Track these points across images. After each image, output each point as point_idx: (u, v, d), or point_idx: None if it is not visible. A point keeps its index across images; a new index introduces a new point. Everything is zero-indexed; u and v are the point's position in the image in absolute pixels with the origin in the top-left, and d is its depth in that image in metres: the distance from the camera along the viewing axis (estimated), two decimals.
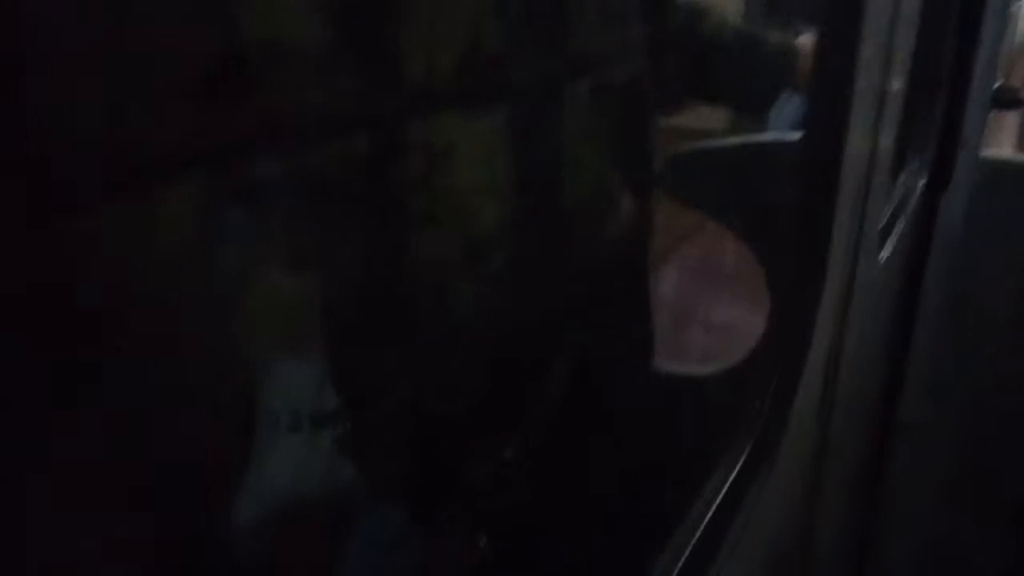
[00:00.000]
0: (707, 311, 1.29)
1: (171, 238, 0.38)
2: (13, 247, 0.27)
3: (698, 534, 0.54)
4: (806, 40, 1.03)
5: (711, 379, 1.07)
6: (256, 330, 0.55)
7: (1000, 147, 2.84)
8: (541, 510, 0.68)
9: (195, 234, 0.41)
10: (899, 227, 1.23)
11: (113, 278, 0.33)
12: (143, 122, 0.35)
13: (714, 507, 0.57)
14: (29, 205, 0.28)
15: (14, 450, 0.27)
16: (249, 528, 0.56)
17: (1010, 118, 2.91)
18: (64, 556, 0.29)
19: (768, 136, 1.15)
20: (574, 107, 0.71)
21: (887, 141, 0.94)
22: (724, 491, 0.59)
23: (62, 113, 0.29)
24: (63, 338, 0.30)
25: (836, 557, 1.22)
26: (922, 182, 1.44)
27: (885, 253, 1.14)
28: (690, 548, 0.52)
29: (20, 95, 0.27)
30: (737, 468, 0.62)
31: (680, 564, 0.52)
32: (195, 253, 0.42)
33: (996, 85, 2.02)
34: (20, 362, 0.27)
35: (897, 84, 0.93)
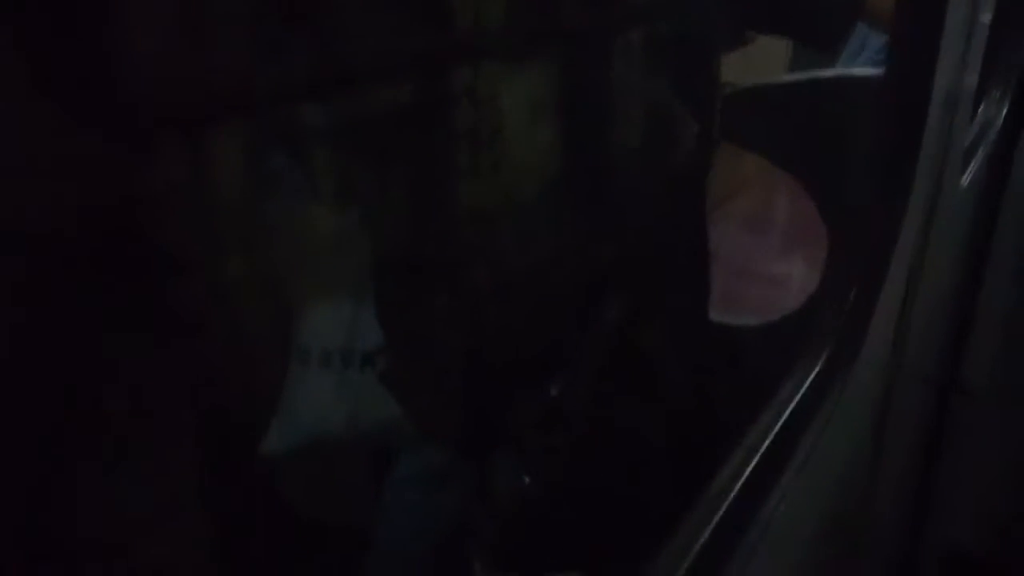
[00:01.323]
0: (761, 263, 1.27)
1: (221, 176, 0.39)
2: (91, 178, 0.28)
3: (764, 449, 0.53)
4: None
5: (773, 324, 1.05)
6: (302, 269, 0.57)
7: None
8: (589, 450, 0.69)
9: (244, 174, 0.42)
10: (980, 155, 1.18)
11: (168, 211, 0.34)
12: (202, 66, 0.36)
13: (782, 422, 0.55)
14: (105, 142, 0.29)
15: (81, 371, 0.29)
16: (281, 457, 0.59)
17: None
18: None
19: (832, 71, 1.09)
20: (630, 46, 0.69)
21: (973, 72, 0.90)
22: (794, 405, 0.57)
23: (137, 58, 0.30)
24: (125, 261, 0.31)
25: (896, 514, 1.21)
26: (1004, 112, 1.37)
27: (967, 178, 1.09)
28: (755, 463, 0.51)
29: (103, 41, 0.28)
30: (810, 380, 0.60)
31: (744, 478, 0.50)
32: (243, 192, 0.43)
33: None
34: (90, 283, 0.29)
35: (985, 17, 0.88)
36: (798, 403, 0.58)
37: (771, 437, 0.54)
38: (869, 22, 1.01)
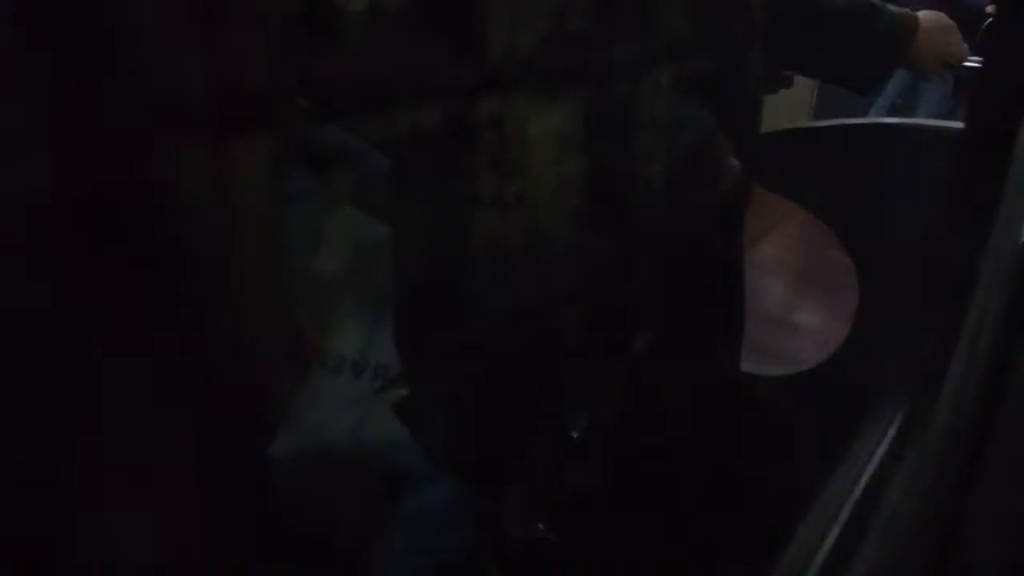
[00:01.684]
0: (787, 311, 1.24)
1: (252, 188, 0.39)
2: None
3: (845, 519, 0.50)
4: (926, 15, 0.96)
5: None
6: (321, 280, 0.56)
7: None
8: (609, 498, 0.66)
9: (268, 188, 0.42)
10: None
11: (189, 217, 0.34)
12: (234, 80, 0.36)
13: (861, 490, 0.52)
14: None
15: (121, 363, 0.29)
16: (285, 463, 0.57)
17: None
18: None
19: (872, 120, 1.08)
20: (670, 82, 0.68)
21: None
22: (871, 471, 0.54)
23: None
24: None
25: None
26: None
27: None
28: (836, 534, 0.48)
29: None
30: (886, 444, 0.57)
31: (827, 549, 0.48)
32: (265, 204, 0.42)
33: None
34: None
35: None
36: (875, 469, 0.55)
37: (850, 506, 0.51)
38: (911, 67, 1.00)
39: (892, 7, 0.95)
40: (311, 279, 0.60)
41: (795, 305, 1.32)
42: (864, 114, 1.06)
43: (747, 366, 0.98)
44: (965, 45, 1.00)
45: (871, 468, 0.55)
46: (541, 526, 0.65)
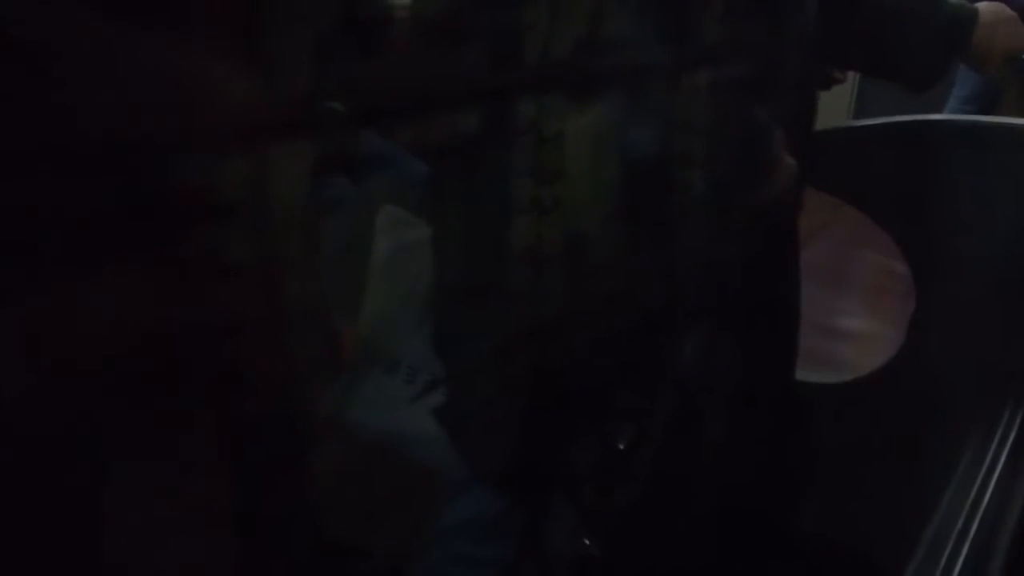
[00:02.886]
0: (831, 315, 1.21)
1: (292, 194, 0.39)
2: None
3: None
4: (986, 6, 0.93)
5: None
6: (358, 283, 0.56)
7: None
8: (657, 514, 0.65)
9: (309, 194, 0.42)
10: None
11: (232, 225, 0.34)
12: (271, 88, 0.36)
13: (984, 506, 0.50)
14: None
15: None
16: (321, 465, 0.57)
17: None
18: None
19: (935, 116, 1.04)
20: (720, 82, 0.67)
21: None
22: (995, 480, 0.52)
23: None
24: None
25: None
26: None
27: None
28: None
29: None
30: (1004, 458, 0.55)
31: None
32: (313, 212, 0.43)
33: None
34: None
35: None
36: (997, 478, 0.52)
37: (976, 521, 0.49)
38: (971, 64, 0.97)
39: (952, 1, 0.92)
40: (351, 282, 0.61)
41: (841, 309, 1.28)
42: (904, 112, 1.02)
43: (804, 374, 0.96)
44: None
45: (991, 480, 0.52)
46: (586, 540, 0.63)
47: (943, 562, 0.46)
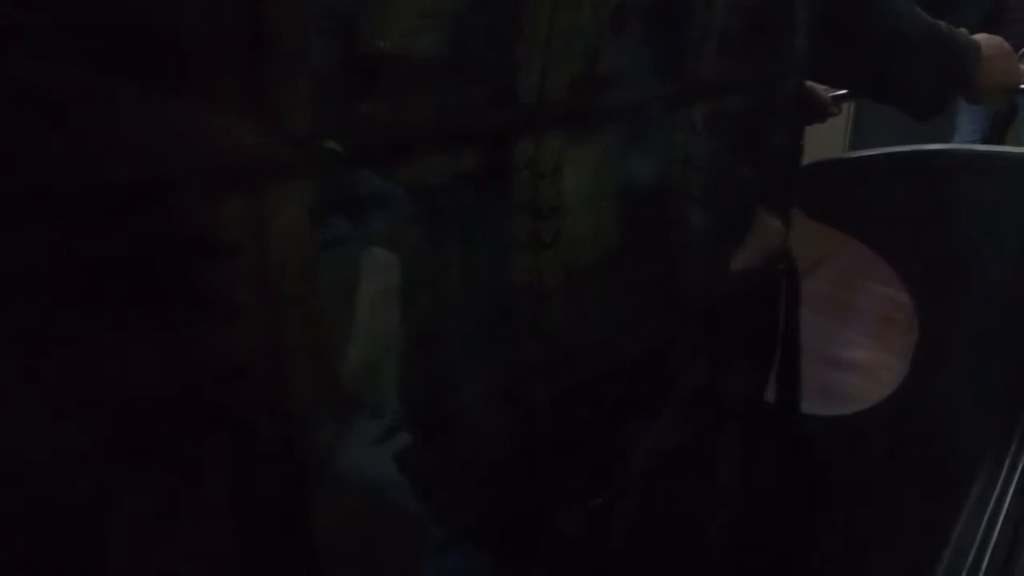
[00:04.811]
0: (832, 346, 1.21)
1: (279, 235, 0.39)
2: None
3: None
4: (986, 39, 0.94)
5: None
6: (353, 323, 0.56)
7: None
8: (645, 568, 0.63)
9: (303, 234, 0.42)
10: None
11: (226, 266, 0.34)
12: (267, 128, 0.37)
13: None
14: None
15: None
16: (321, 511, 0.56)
17: None
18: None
19: (937, 145, 1.05)
20: (711, 117, 0.68)
21: None
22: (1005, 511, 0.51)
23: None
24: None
25: None
26: None
27: None
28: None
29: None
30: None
31: None
32: (301, 251, 0.43)
33: None
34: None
35: None
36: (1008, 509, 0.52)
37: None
38: (969, 96, 0.98)
39: (963, 31, 0.92)
40: (344, 324, 0.60)
41: (846, 340, 1.28)
42: (900, 143, 1.03)
43: (807, 407, 0.95)
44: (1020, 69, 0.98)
45: (1000, 514, 0.52)
46: None
47: None
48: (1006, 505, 0.56)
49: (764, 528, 0.70)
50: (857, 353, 1.25)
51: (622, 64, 0.60)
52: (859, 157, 1.02)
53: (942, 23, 0.91)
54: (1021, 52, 1.05)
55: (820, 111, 0.99)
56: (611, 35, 0.59)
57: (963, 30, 0.94)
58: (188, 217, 0.33)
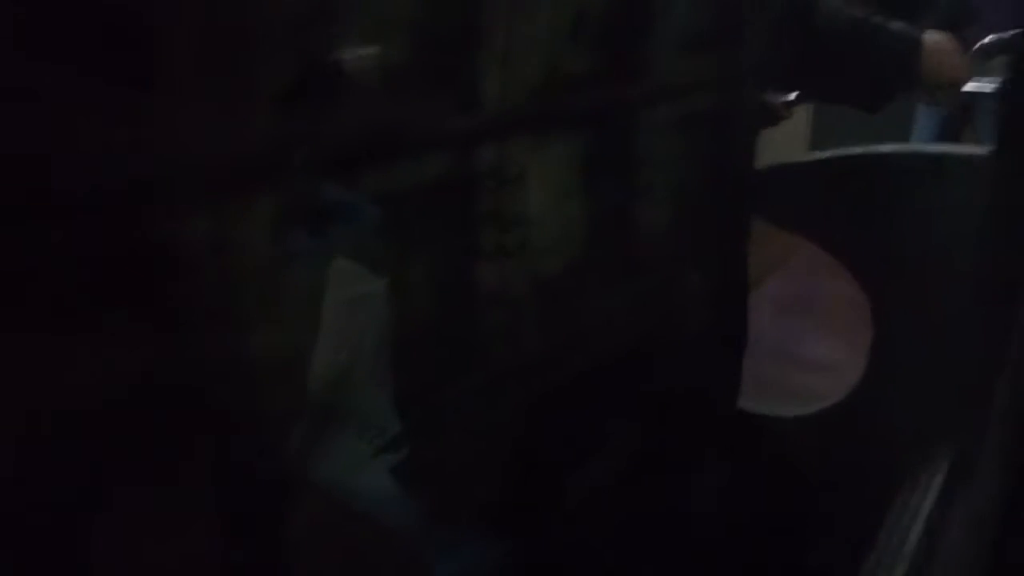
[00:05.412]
0: (799, 347, 1.23)
1: (244, 246, 0.39)
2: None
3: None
4: (930, 35, 0.94)
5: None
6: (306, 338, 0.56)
7: None
8: (622, 560, 0.64)
9: (266, 246, 0.42)
10: None
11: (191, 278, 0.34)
12: (228, 139, 0.37)
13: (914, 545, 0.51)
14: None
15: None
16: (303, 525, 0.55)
17: None
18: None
19: (888, 147, 1.08)
20: (667, 122, 0.69)
21: None
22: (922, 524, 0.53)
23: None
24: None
25: None
26: None
27: None
28: None
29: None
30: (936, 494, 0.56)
31: None
32: (265, 262, 0.43)
33: None
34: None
35: None
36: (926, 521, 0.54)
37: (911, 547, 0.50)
38: (918, 93, 1.01)
39: (897, 25, 0.94)
40: (310, 336, 0.60)
41: (808, 341, 1.31)
42: (861, 142, 1.06)
43: (765, 407, 0.97)
44: (970, 67, 1.00)
45: (926, 507, 0.54)
46: None
47: None
48: (928, 505, 0.57)
49: (737, 530, 0.71)
50: (819, 351, 1.28)
51: (581, 71, 0.61)
52: (811, 160, 1.05)
53: (876, 16, 0.93)
54: (971, 51, 1.08)
55: (771, 116, 1.01)
56: (570, 42, 0.60)
57: (902, 24, 0.96)
58: (144, 228, 0.32)
